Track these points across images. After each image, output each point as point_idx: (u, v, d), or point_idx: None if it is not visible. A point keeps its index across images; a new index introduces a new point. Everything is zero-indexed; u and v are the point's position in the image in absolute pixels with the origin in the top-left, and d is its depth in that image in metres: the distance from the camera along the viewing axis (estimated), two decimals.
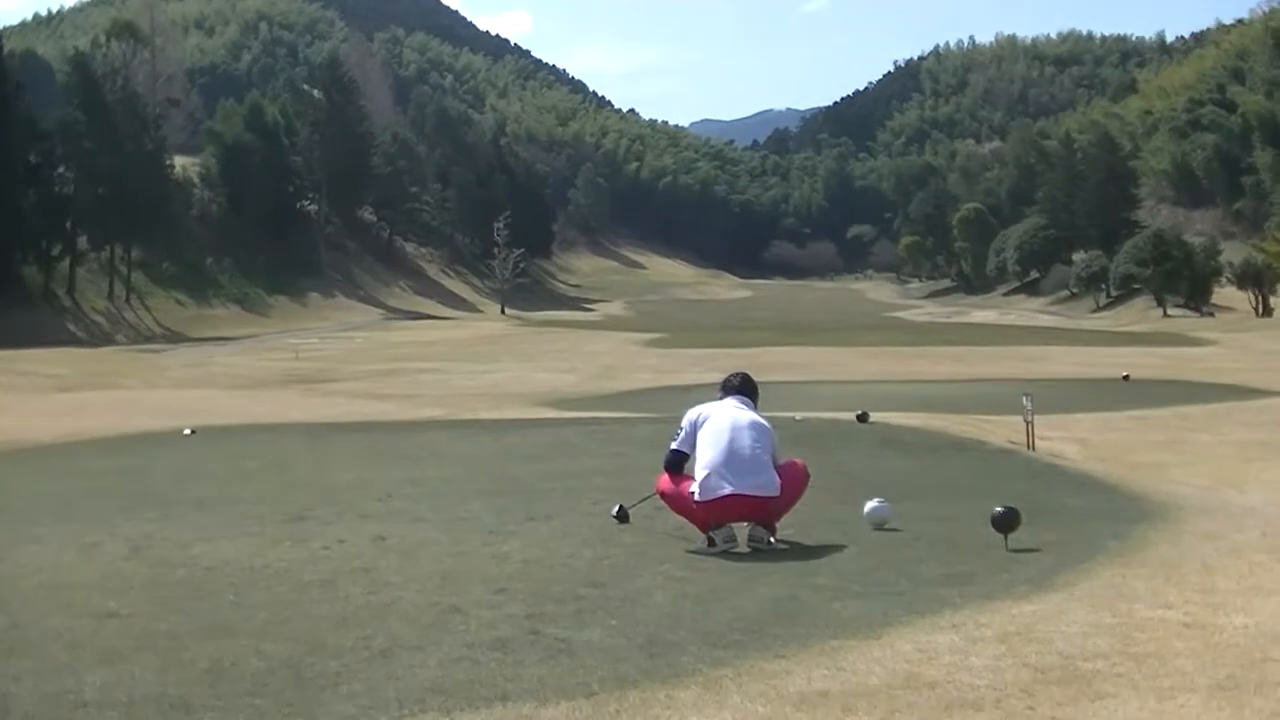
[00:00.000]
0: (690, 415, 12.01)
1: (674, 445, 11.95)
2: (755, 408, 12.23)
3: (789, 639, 7.99)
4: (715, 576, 9.93)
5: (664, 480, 11.95)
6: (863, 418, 22.68)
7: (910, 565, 10.17)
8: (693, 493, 11.47)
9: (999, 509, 10.99)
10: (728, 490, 11.26)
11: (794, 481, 11.77)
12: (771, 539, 11.33)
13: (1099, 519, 12.36)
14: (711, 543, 11.25)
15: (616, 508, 12.71)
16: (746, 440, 11.58)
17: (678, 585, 9.58)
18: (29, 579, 10.49)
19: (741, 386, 12.43)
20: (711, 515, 11.37)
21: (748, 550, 11.07)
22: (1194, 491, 15.51)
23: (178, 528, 12.79)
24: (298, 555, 11.13)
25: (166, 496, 15.50)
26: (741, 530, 11.35)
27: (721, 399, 12.25)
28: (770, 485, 11.45)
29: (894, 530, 11.77)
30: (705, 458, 11.51)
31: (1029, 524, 11.21)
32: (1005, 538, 10.78)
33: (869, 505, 12.10)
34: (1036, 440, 20.33)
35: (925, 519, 12.35)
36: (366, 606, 9.09)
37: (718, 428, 11.66)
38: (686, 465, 11.79)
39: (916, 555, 10.61)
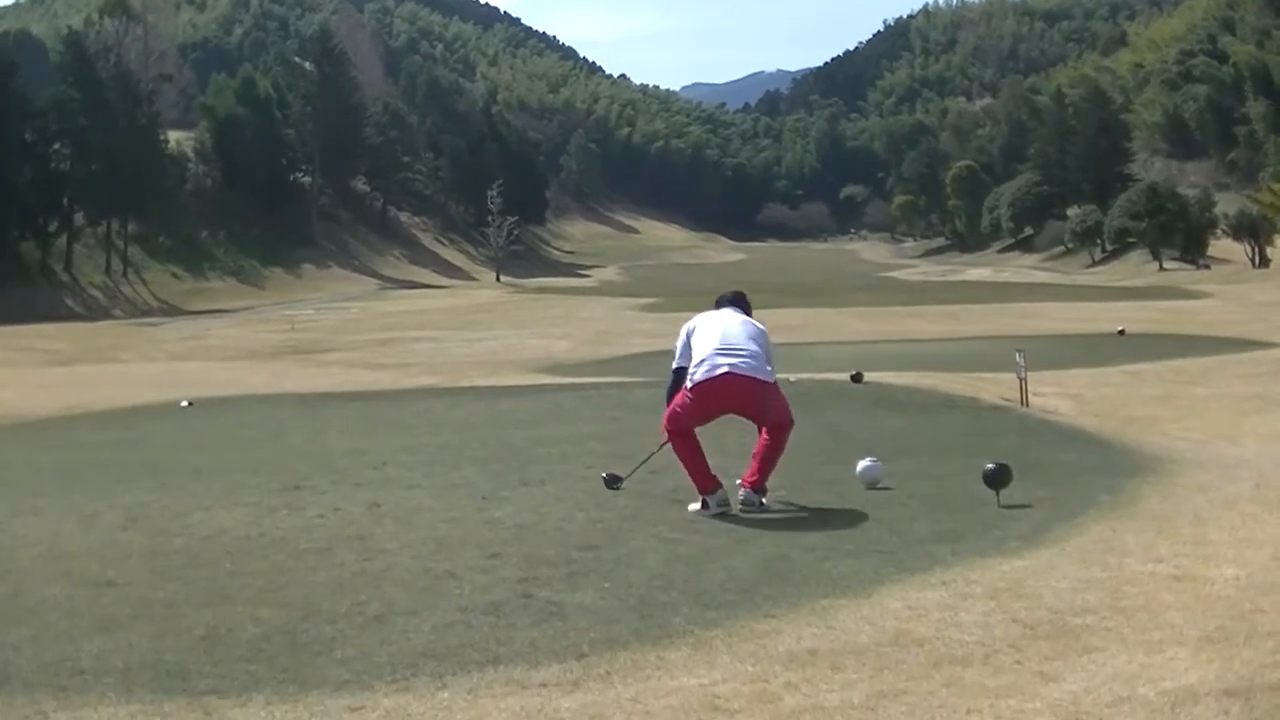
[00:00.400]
0: (684, 330, 11.91)
1: (675, 364, 11.77)
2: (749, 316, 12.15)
3: (779, 599, 8.04)
4: (708, 538, 9.96)
5: (666, 412, 11.70)
6: (856, 378, 22.68)
7: (902, 523, 10.20)
8: (687, 386, 11.41)
9: (990, 466, 11.03)
10: (722, 369, 11.23)
11: (783, 407, 11.57)
12: (763, 500, 11.17)
13: (1091, 474, 12.38)
14: (705, 506, 11.00)
15: (606, 474, 12.49)
16: (740, 332, 11.58)
17: (670, 547, 9.61)
18: (28, 549, 10.55)
19: (734, 299, 12.31)
20: (705, 404, 11.36)
21: (739, 511, 11.00)
22: (1187, 445, 15.56)
23: (175, 498, 12.83)
24: (294, 523, 11.17)
25: (164, 467, 15.54)
26: (734, 495, 11.13)
27: (720, 308, 12.18)
28: (765, 373, 11.41)
29: (886, 489, 11.77)
30: (700, 354, 11.43)
31: (1021, 480, 11.25)
32: (997, 494, 10.82)
33: (861, 464, 12.09)
34: (1030, 396, 20.37)
35: (918, 477, 12.36)
36: (361, 573, 9.14)
37: (709, 330, 11.64)
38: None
39: (908, 513, 10.63)
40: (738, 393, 11.32)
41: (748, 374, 11.27)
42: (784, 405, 11.59)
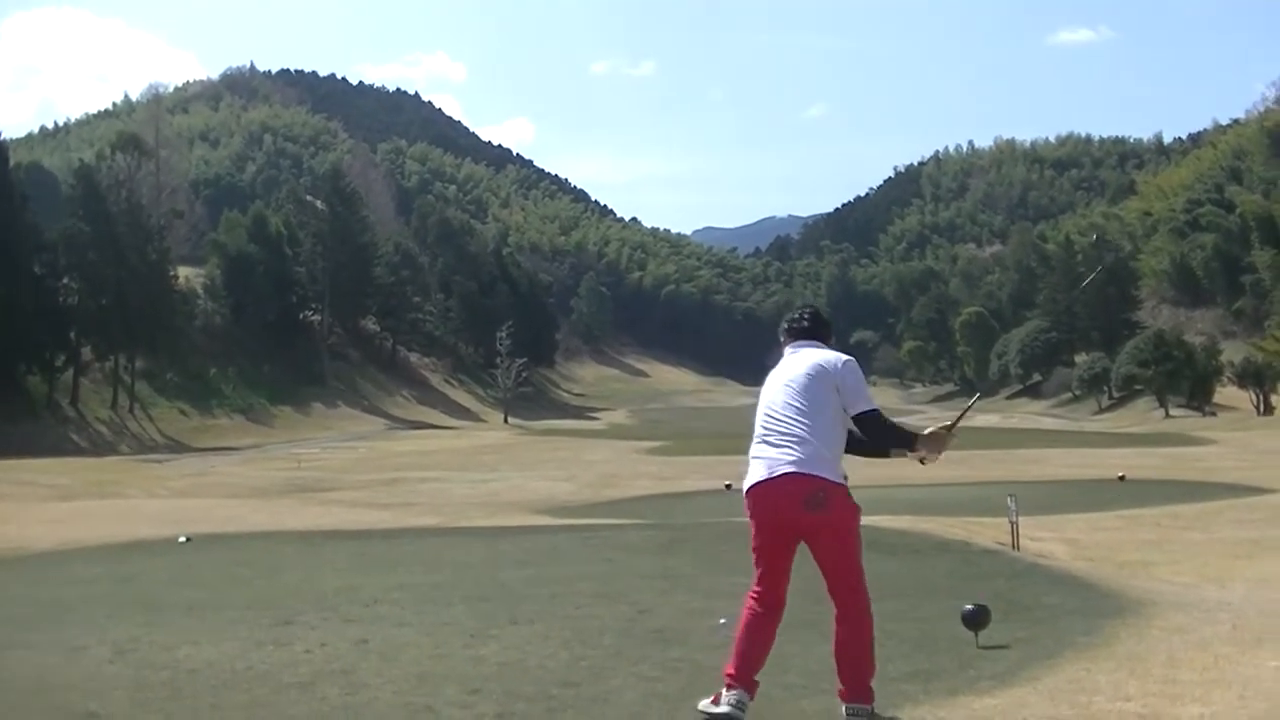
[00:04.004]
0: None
1: None
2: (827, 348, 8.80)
3: None
4: (687, 677, 10.00)
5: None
6: None
7: (879, 663, 10.24)
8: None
9: (969, 607, 11.10)
10: (759, 477, 8.43)
11: (853, 542, 8.71)
12: (872, 707, 8.52)
13: (1072, 615, 12.42)
14: (716, 701, 8.32)
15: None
16: (786, 394, 8.58)
17: (649, 685, 9.67)
18: (13, 683, 10.60)
19: (811, 329, 8.92)
20: (759, 526, 8.54)
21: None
22: (1173, 588, 15.62)
23: (165, 632, 12.90)
24: (280, 658, 11.24)
25: (157, 602, 15.59)
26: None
27: (785, 352, 8.93)
28: (818, 462, 8.31)
29: None
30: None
31: (1002, 621, 11.33)
32: (976, 635, 10.88)
33: None
34: (1023, 540, 20.48)
35: (901, 618, 12.40)
36: (342, 707, 9.21)
37: (763, 395, 8.82)
38: None
39: (886, 653, 10.63)
40: (780, 506, 8.36)
41: (788, 471, 8.29)
42: (854, 535, 8.67)
